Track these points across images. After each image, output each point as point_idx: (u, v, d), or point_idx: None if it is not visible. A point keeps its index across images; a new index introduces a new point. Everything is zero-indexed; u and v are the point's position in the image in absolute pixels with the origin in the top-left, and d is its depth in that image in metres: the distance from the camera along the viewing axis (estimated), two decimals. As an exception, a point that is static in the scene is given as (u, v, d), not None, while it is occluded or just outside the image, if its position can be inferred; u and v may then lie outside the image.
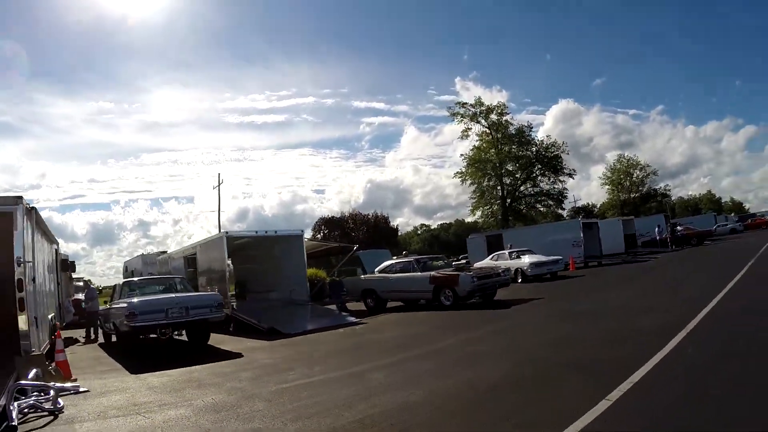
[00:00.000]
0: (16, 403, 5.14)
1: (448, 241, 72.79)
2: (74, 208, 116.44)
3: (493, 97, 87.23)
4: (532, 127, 45.45)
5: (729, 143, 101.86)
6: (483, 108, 44.10)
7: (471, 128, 44.38)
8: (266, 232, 14.53)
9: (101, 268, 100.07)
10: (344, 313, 13.19)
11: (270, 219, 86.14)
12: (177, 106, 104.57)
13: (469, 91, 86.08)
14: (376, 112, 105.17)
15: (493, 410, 4.17)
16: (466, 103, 44.72)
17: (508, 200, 42.30)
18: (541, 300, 12.46)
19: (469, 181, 43.93)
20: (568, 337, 7.28)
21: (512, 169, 43.54)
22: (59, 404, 5.49)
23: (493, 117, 44.29)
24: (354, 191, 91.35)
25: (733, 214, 52.36)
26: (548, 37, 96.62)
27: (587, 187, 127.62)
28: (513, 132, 44.29)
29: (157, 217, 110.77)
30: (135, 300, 9.22)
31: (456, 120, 44.53)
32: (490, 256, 19.77)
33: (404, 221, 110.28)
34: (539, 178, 43.00)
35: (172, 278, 11.18)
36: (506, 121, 44.32)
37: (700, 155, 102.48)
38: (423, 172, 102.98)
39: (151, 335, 9.64)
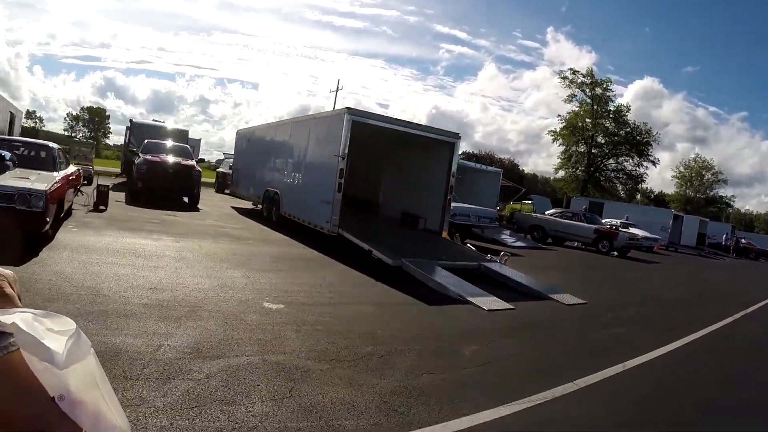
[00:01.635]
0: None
1: (503, 185, 78.55)
2: (139, 73, 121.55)
3: (581, 56, 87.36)
4: (629, 108, 49.13)
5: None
6: (592, 80, 47.74)
7: (576, 95, 48.29)
8: (476, 165, 20.61)
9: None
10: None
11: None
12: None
13: (559, 44, 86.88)
14: (456, 41, 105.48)
15: (684, 309, 10.58)
16: (577, 71, 48.29)
17: (592, 169, 47.28)
18: (660, 264, 18.68)
19: (560, 141, 48.67)
20: (703, 285, 13.63)
21: (602, 142, 47.97)
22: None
23: (598, 90, 48.06)
24: (417, 113, 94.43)
25: None
26: (655, 10, 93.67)
27: (649, 171, 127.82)
28: (612, 108, 48.24)
29: (218, 97, 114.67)
30: (459, 205, 15.31)
31: (564, 84, 48.28)
32: (604, 221, 25.65)
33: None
34: (624, 157, 47.52)
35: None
36: (608, 96, 48.16)
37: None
38: (490, 111, 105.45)
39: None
